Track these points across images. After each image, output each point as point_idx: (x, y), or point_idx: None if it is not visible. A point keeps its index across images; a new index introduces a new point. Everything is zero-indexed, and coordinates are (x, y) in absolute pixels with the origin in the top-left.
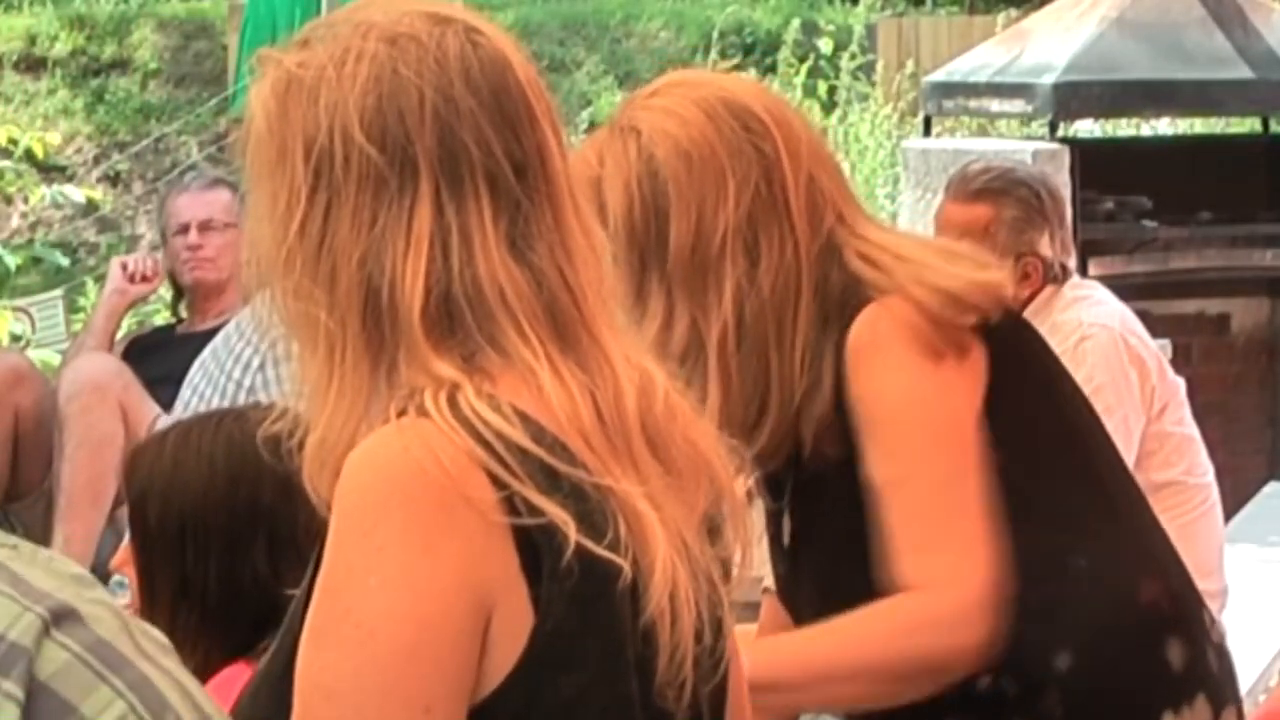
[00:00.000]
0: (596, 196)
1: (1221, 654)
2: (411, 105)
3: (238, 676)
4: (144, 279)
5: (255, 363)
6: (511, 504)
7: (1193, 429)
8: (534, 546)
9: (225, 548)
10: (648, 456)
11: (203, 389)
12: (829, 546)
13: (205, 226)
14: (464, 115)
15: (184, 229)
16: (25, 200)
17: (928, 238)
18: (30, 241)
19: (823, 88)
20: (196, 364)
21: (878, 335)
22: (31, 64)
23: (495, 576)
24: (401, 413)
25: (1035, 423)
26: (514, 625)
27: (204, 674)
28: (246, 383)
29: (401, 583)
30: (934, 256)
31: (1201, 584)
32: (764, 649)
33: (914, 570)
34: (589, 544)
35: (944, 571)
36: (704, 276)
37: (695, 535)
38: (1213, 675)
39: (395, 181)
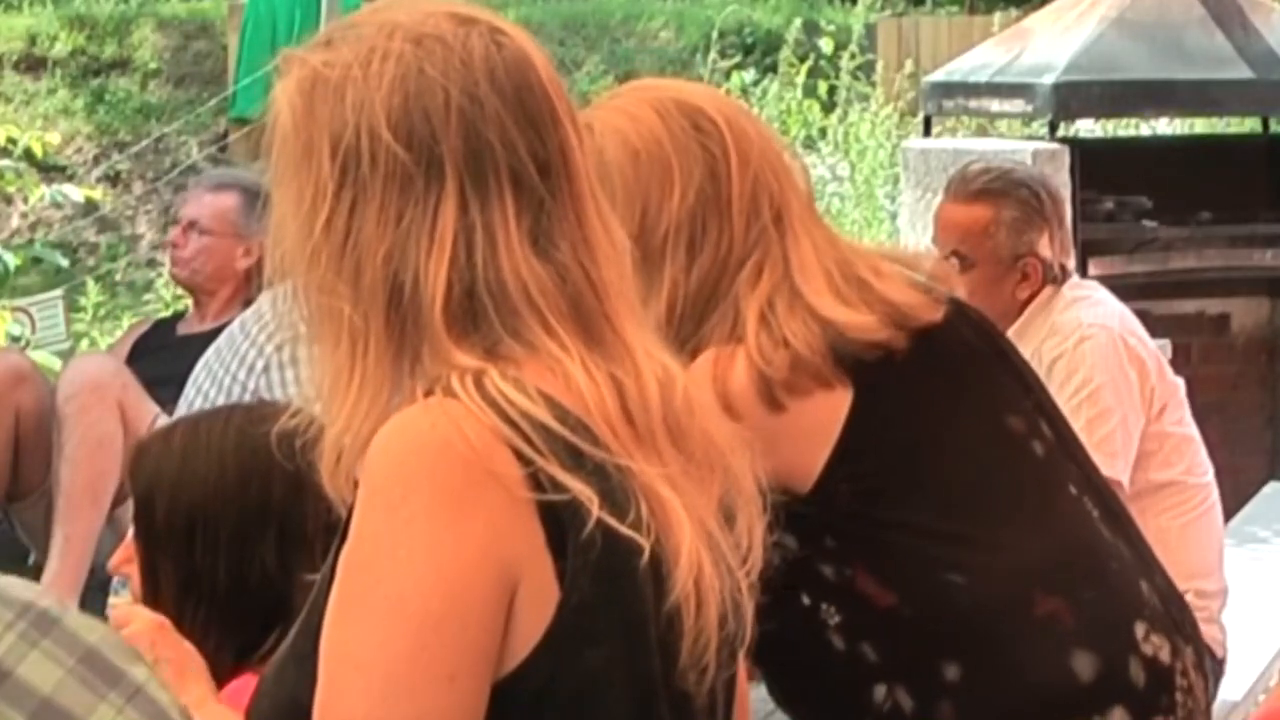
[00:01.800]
0: None
1: (1154, 667)
2: (437, 105)
3: (246, 688)
4: None
5: (259, 365)
6: (536, 480)
7: (1192, 429)
8: (559, 522)
9: (235, 543)
10: (670, 446)
11: (206, 388)
12: None
13: (190, 227)
14: (489, 115)
15: (178, 223)
16: (25, 200)
17: (863, 252)
18: (30, 241)
19: (823, 88)
20: (201, 363)
21: (708, 388)
22: (31, 64)
23: (520, 551)
24: (429, 393)
25: (914, 449)
26: (539, 599)
27: (215, 669)
28: (251, 385)
29: (429, 554)
30: (827, 291)
31: (1201, 583)
32: None
33: None
34: (612, 521)
35: None
36: (642, 271)
37: (716, 523)
38: (1135, 688)
39: (421, 180)
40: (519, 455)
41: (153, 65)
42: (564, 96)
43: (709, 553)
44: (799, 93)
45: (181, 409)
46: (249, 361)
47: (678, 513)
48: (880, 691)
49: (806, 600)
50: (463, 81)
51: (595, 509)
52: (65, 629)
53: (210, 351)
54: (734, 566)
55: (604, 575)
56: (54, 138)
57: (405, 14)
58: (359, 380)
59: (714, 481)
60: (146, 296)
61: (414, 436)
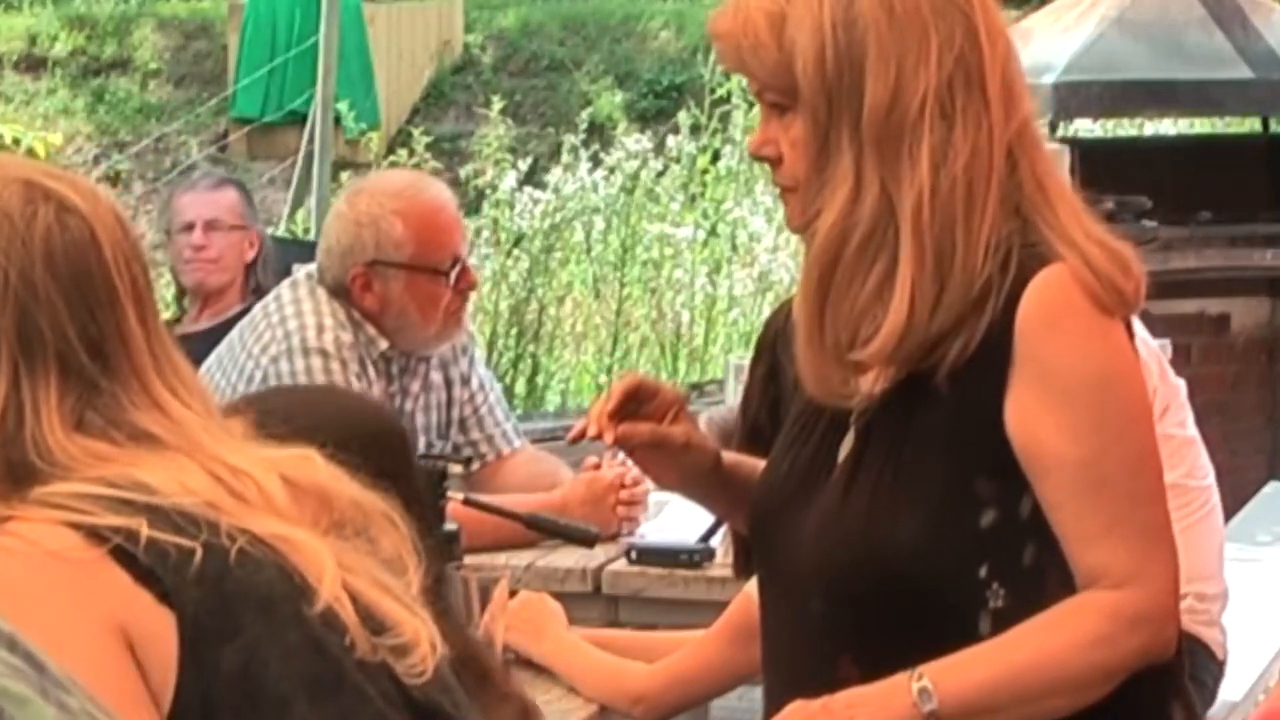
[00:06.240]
0: (778, 32)
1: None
2: None
3: None
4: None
5: (257, 376)
6: (94, 535)
7: (1194, 431)
8: (129, 556)
9: None
10: (306, 517)
11: None
12: (901, 481)
13: (211, 226)
14: (41, 299)
15: (188, 227)
16: None
17: None
18: None
19: None
20: (203, 370)
21: (1071, 300)
22: (31, 64)
23: (112, 603)
24: None
25: None
26: (158, 630)
27: None
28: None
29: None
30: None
31: (1201, 587)
32: (960, 670)
33: (1105, 561)
34: (167, 536)
35: (1136, 565)
36: (899, 140)
37: (378, 567)
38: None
39: None
40: (71, 525)
41: (153, 65)
42: (129, 273)
43: (360, 578)
44: None
45: None
46: (247, 373)
47: (305, 540)
48: None
49: (983, 573)
50: (21, 263)
51: (144, 529)
52: None
53: (211, 360)
54: (412, 604)
55: (205, 580)
56: (55, 138)
57: None
58: None
59: (376, 546)
60: None
61: None
